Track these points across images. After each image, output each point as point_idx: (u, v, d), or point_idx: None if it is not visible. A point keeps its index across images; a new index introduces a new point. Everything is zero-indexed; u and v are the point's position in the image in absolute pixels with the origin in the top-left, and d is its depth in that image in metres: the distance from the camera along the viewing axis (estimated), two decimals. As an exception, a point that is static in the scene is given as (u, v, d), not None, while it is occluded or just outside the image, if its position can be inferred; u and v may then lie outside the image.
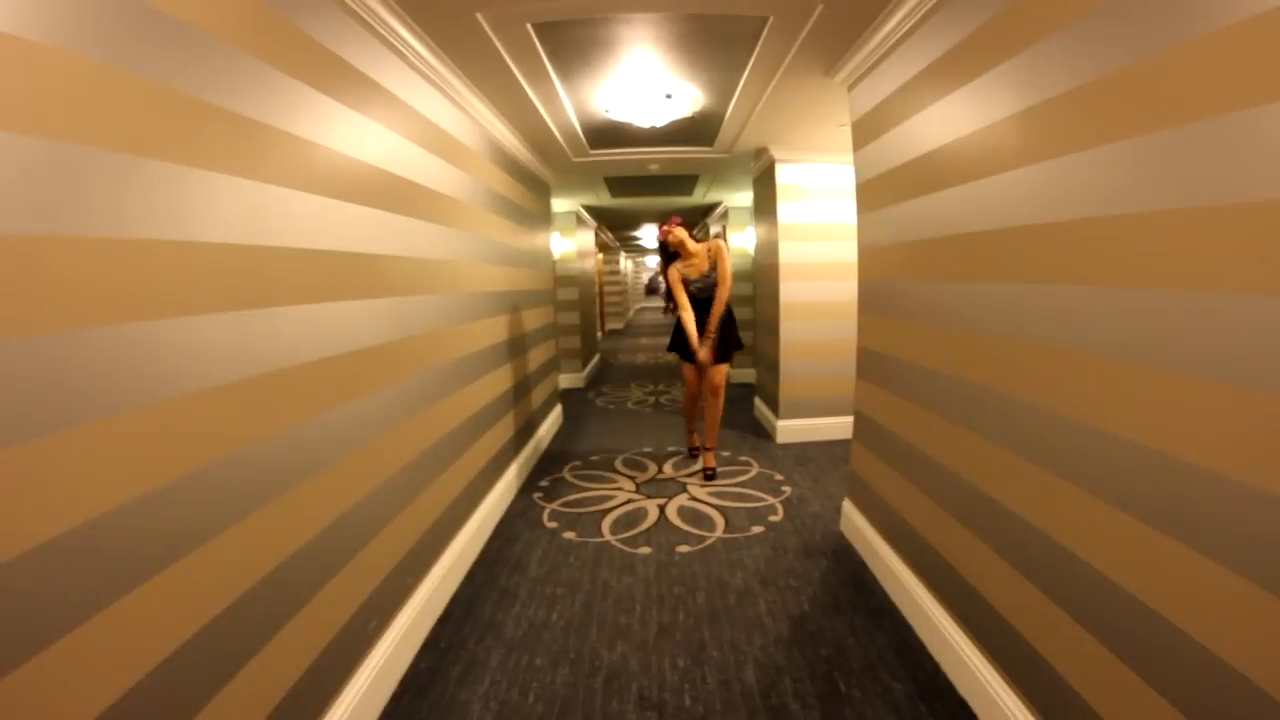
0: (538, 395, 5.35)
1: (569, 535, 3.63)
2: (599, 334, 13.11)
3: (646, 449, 5.38)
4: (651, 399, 7.66)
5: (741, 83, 3.62)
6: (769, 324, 5.86)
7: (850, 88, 3.26)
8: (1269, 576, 1.09)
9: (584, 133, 4.71)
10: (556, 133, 4.61)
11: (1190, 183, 1.23)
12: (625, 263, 22.01)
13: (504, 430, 4.17)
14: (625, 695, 2.23)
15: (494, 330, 3.98)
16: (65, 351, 1.08)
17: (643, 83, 3.61)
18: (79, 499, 1.10)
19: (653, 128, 4.36)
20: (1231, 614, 1.18)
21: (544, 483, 4.58)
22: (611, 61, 3.28)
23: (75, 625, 1.08)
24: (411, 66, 2.71)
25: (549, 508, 4.08)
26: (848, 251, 3.87)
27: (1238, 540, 1.16)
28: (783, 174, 5.26)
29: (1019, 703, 1.86)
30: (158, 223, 1.29)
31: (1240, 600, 1.15)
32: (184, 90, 1.37)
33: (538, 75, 3.37)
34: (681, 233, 4.38)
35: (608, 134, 4.78)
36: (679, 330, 4.52)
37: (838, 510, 3.77)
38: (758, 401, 6.48)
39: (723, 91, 3.84)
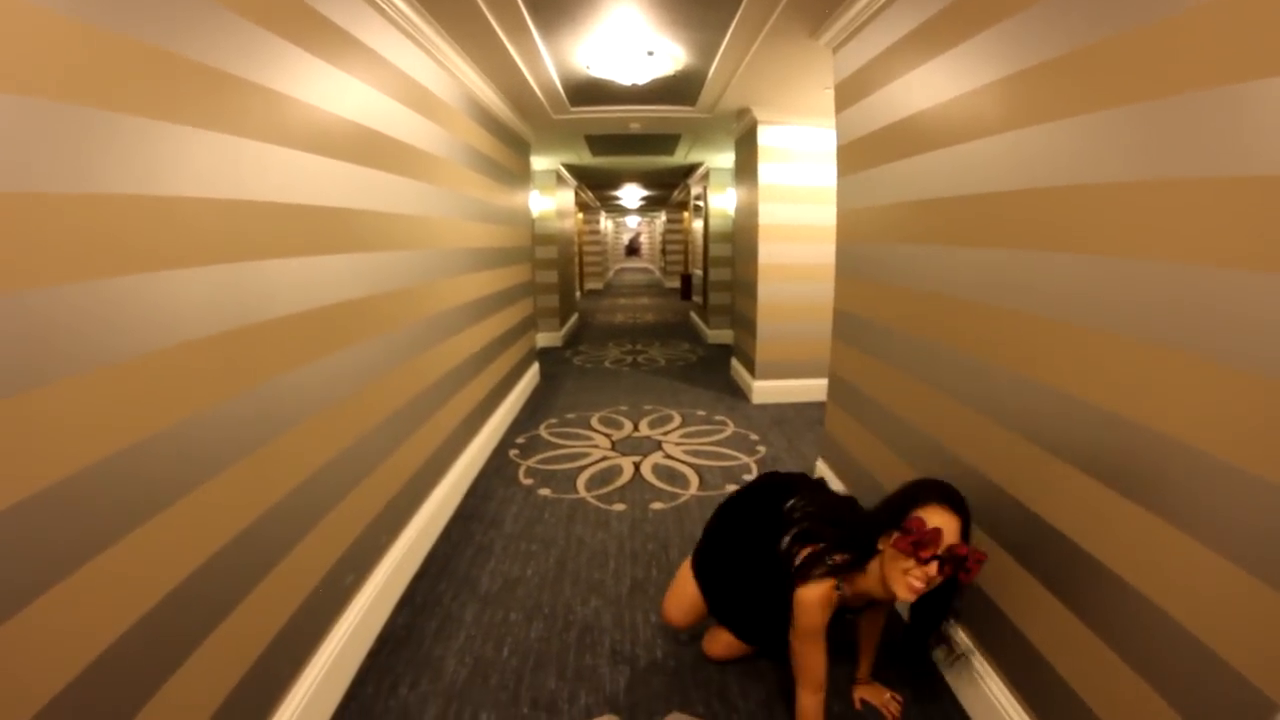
0: (515, 353, 5.35)
1: (544, 492, 3.67)
2: (578, 293, 13.05)
3: (623, 407, 5.42)
4: (629, 358, 7.67)
5: (725, 42, 3.57)
6: (747, 285, 5.88)
7: (835, 50, 3.23)
8: (1266, 570, 1.09)
9: (564, 90, 4.62)
10: (537, 89, 4.52)
11: (1171, 155, 1.25)
12: (605, 223, 21.79)
13: (480, 387, 4.18)
14: (598, 649, 2.29)
15: (471, 287, 3.95)
16: (39, 308, 1.07)
17: (624, 39, 3.54)
18: (51, 457, 1.10)
19: (634, 86, 4.30)
20: (1226, 606, 1.17)
21: (520, 440, 4.60)
22: (593, 17, 3.21)
23: (53, 584, 1.09)
24: (390, 21, 2.64)
25: (525, 464, 4.11)
26: (827, 215, 3.86)
27: (1224, 523, 1.16)
28: (765, 136, 5.23)
29: (1002, 686, 1.84)
30: (131, 178, 1.27)
31: (1236, 595, 1.14)
32: (157, 44, 1.33)
33: (518, 30, 3.30)
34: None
35: (589, 91, 4.70)
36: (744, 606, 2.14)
37: (811, 469, 3.83)
38: (734, 362, 6.52)
39: (705, 50, 3.78)
